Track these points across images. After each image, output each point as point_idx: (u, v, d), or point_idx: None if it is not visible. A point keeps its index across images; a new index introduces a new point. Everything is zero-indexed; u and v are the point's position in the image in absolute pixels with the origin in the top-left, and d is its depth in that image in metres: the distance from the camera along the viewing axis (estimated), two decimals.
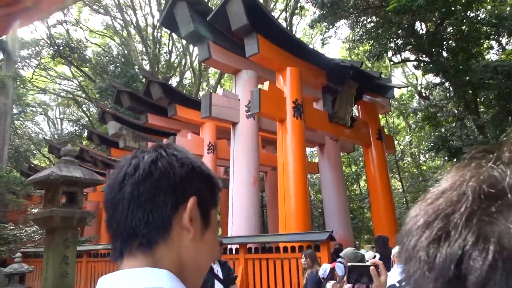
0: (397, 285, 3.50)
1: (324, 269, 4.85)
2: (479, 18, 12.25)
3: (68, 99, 29.91)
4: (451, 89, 13.69)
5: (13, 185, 12.83)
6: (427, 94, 18.20)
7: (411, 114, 21.45)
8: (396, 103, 23.52)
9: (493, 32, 12.71)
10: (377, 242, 6.61)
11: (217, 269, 4.33)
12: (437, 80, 14.99)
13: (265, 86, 9.57)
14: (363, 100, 12.81)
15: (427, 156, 22.73)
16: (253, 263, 7.80)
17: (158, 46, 27.43)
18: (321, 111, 11.15)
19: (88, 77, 27.45)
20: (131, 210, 0.68)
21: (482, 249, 0.34)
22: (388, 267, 5.60)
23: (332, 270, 4.90)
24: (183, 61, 28.49)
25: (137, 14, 27.01)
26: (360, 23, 13.86)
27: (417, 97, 21.51)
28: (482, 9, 13.39)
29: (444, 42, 12.93)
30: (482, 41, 13.12)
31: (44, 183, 5.78)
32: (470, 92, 13.38)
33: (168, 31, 23.33)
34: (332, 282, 4.73)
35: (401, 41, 13.38)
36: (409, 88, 24.68)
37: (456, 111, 14.23)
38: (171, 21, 10.44)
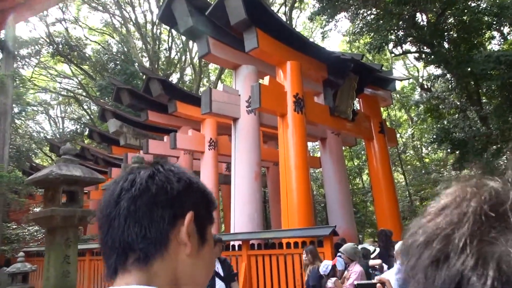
0: None
1: (325, 265, 4.80)
2: (480, 7, 12.09)
3: (68, 98, 29.87)
4: (453, 80, 13.56)
5: (14, 184, 12.82)
6: (429, 86, 18.06)
7: (413, 107, 21.34)
8: (398, 95, 23.39)
9: (494, 22, 12.55)
10: (379, 236, 6.56)
11: (217, 266, 4.30)
12: (438, 71, 14.85)
13: (266, 80, 9.48)
14: (364, 93, 12.71)
15: (429, 148, 22.65)
16: (256, 259, 7.77)
17: (157, 43, 27.31)
18: (322, 105, 11.06)
19: (88, 75, 27.39)
20: (127, 225, 0.67)
21: (481, 274, 0.33)
22: (390, 261, 5.56)
23: (334, 267, 4.86)
24: (183, 58, 28.38)
25: (136, 11, 26.89)
26: (360, 15, 13.71)
27: (419, 89, 21.37)
28: None
29: (446, 33, 12.79)
30: (484, 31, 12.97)
31: (43, 182, 5.75)
32: (472, 83, 13.25)
33: (168, 28, 23.23)
34: (333, 279, 4.68)
35: (402, 33, 13.23)
36: (411, 80, 24.54)
37: (458, 103, 14.11)
38: (169, 17, 10.34)
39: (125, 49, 25.92)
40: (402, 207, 18.95)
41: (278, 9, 23.99)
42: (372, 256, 6.38)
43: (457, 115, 14.12)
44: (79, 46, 25.60)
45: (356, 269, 4.94)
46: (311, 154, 20.74)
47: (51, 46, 25.00)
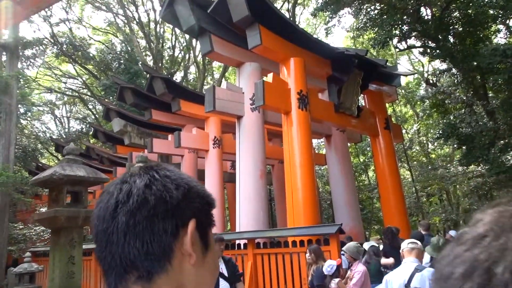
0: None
1: (330, 265, 4.74)
2: (485, 0, 11.92)
3: (74, 98, 30.00)
4: (459, 75, 13.41)
5: (20, 184, 12.89)
6: (434, 81, 17.89)
7: (419, 102, 21.18)
8: (403, 91, 23.21)
9: (500, 15, 12.37)
10: (385, 234, 6.48)
11: (221, 267, 4.25)
12: (444, 66, 14.69)
13: (269, 78, 9.41)
14: (369, 89, 12.58)
15: (435, 144, 22.46)
16: (262, 258, 7.72)
17: (161, 42, 27.30)
18: (326, 102, 10.97)
19: (93, 75, 27.47)
20: (127, 242, 0.63)
21: None
22: (397, 259, 5.48)
23: (339, 267, 4.80)
24: (187, 56, 28.35)
25: (139, 10, 26.90)
26: (364, 11, 13.57)
27: (424, 84, 21.17)
28: None
29: (451, 27, 12.63)
30: (490, 24, 12.78)
31: (47, 183, 5.74)
32: (479, 77, 13.09)
33: (171, 26, 23.21)
34: (336, 280, 4.62)
35: (406, 27, 13.09)
36: (416, 75, 24.33)
37: (464, 97, 13.95)
38: (172, 15, 10.30)
39: (129, 48, 25.94)
40: (408, 204, 18.82)
41: (281, 6, 23.86)
42: None
43: (463, 110, 13.97)
44: (83, 46, 25.66)
45: (359, 268, 4.87)
46: (316, 151, 20.66)
47: (55, 46, 25.07)
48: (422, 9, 13.59)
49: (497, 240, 0.38)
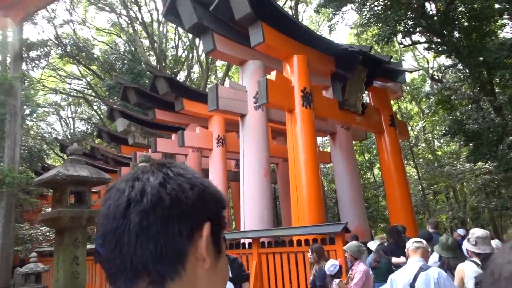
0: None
1: (333, 265, 4.67)
2: None
3: (78, 98, 30.16)
4: (465, 70, 13.24)
5: (26, 185, 12.95)
6: (440, 77, 17.71)
7: (424, 99, 21.01)
8: (408, 87, 23.02)
9: (507, 8, 12.18)
10: (390, 233, 6.38)
11: None
12: (449, 62, 14.54)
13: (272, 75, 9.33)
14: (374, 86, 12.47)
15: (442, 141, 22.27)
16: (267, 257, 7.67)
17: (164, 41, 27.32)
18: (331, 99, 10.87)
19: (97, 75, 27.58)
20: (140, 243, 0.59)
21: None
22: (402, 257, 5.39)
23: (341, 267, 4.74)
24: (190, 55, 28.37)
25: (142, 10, 26.93)
26: (367, 7, 13.44)
27: (429, 80, 20.97)
28: None
29: (456, 22, 12.46)
30: (496, 18, 12.60)
31: (51, 183, 5.73)
32: (485, 72, 12.90)
33: (174, 26, 23.18)
34: (337, 280, 4.56)
35: (411, 23, 12.94)
36: (421, 72, 24.12)
37: (471, 93, 13.78)
38: (174, 14, 10.26)
39: (132, 49, 26.01)
40: (415, 202, 18.67)
41: (284, 3, 23.74)
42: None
43: (470, 106, 13.81)
44: (87, 46, 25.77)
45: (360, 268, 4.80)
46: (321, 149, 20.56)
47: (59, 48, 25.20)
48: (427, 4, 13.43)
49: None
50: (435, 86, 17.30)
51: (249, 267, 7.59)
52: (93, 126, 28.07)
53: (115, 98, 21.38)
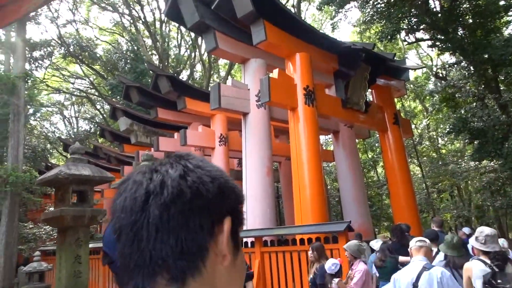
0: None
1: (334, 264, 4.63)
2: None
3: (81, 98, 30.24)
4: (469, 68, 13.11)
5: (29, 184, 12.99)
6: (444, 75, 17.57)
7: (428, 96, 20.88)
8: (412, 85, 22.88)
9: None
10: (394, 231, 6.31)
11: None
12: (453, 59, 14.40)
13: (275, 74, 9.28)
14: (377, 83, 12.39)
15: (446, 139, 22.13)
16: (269, 256, 7.63)
17: (167, 40, 27.32)
18: (333, 97, 10.80)
19: (100, 75, 27.63)
20: (159, 238, 0.57)
21: None
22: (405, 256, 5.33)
23: (341, 266, 4.69)
24: (193, 54, 28.35)
25: (145, 9, 26.93)
26: (370, 4, 13.35)
27: (433, 78, 20.83)
28: None
29: (460, 19, 12.35)
30: (501, 14, 12.48)
31: (53, 182, 5.72)
32: (490, 69, 12.78)
33: (177, 25, 23.17)
34: (336, 280, 4.52)
35: (415, 20, 12.84)
36: (424, 69, 23.96)
37: (475, 91, 13.67)
38: (176, 13, 10.23)
39: (135, 48, 26.02)
40: (419, 200, 18.57)
41: (286, 1, 23.66)
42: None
43: (474, 104, 13.69)
44: (90, 46, 25.80)
45: (360, 267, 4.75)
46: (324, 148, 20.48)
47: (62, 47, 25.24)
48: (431, 0, 13.33)
49: None
50: (439, 83, 17.18)
51: (252, 266, 7.56)
52: (96, 125, 28.14)
53: (118, 97, 21.40)
